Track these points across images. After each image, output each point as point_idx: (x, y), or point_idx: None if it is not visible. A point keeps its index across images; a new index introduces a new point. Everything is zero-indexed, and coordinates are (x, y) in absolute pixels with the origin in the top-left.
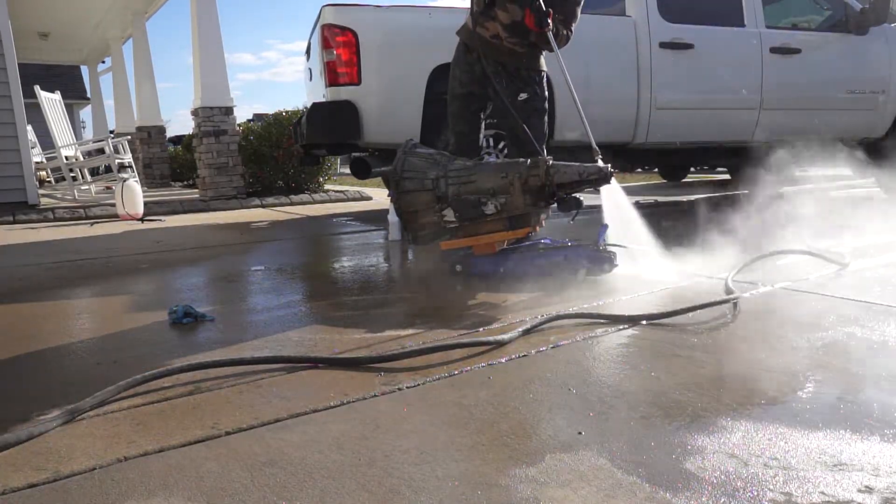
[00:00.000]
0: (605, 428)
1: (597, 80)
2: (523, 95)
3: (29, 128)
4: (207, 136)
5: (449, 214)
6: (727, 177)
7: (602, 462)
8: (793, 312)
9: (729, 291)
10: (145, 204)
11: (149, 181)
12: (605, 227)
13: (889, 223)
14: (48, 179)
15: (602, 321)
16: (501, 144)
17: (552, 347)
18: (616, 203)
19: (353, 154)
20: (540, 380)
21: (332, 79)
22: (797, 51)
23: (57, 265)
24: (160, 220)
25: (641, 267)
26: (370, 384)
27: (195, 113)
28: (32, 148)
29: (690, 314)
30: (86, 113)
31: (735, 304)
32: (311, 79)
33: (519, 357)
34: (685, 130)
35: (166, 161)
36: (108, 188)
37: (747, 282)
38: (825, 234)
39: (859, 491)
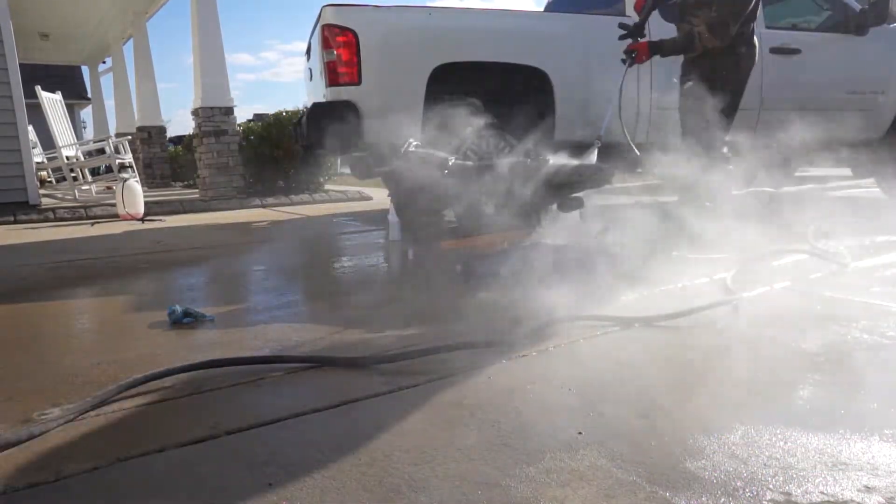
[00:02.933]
0: (605, 428)
1: (597, 80)
2: (688, 84)
3: (30, 128)
4: (208, 136)
5: (449, 214)
6: None
7: (602, 462)
8: (792, 312)
9: (729, 291)
10: (146, 204)
11: (149, 181)
12: (607, 227)
13: (888, 223)
14: (49, 179)
15: (602, 322)
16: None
17: (553, 348)
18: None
19: (354, 154)
20: (540, 380)
21: (333, 79)
22: (797, 51)
23: (57, 265)
24: (160, 220)
25: (641, 267)
26: (370, 384)
27: (195, 113)
28: (33, 148)
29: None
30: (86, 113)
31: (735, 305)
32: (311, 79)
33: (519, 357)
34: None
35: (167, 161)
36: (108, 188)
37: (747, 282)
38: (825, 233)
39: (859, 490)
